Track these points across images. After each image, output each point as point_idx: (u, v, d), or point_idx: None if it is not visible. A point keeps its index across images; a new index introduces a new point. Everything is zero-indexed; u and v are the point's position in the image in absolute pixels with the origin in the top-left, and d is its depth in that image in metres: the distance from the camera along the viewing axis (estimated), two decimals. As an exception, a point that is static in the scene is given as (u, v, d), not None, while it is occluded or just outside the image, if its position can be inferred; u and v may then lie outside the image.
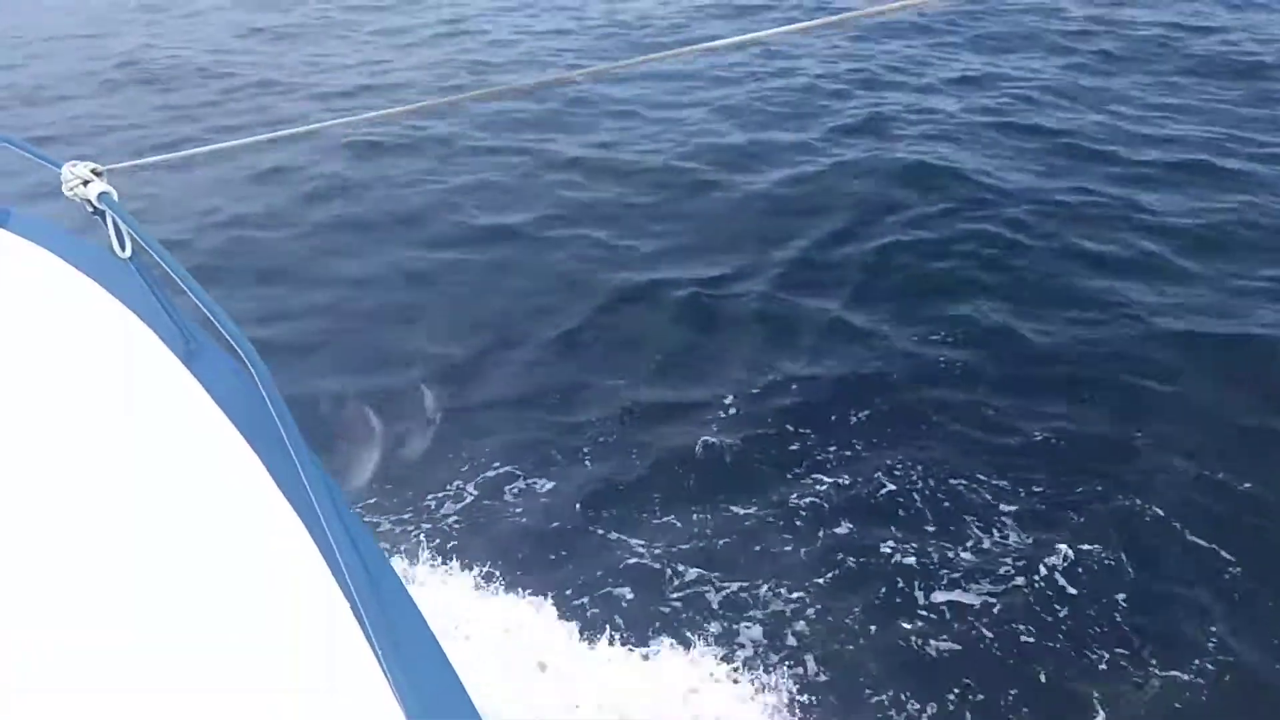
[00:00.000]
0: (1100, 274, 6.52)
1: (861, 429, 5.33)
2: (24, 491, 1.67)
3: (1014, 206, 7.53)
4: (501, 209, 8.37)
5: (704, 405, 5.61)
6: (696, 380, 5.89)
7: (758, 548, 4.51)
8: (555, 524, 4.74)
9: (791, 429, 5.37)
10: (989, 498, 4.77)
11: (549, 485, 5.06)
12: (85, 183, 1.94)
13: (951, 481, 4.88)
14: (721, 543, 4.55)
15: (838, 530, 4.62)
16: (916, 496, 4.78)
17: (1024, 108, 9.48)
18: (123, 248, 1.86)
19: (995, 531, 4.57)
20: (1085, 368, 5.63)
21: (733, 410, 5.53)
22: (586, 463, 5.22)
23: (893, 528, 4.58)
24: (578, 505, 4.88)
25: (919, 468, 4.96)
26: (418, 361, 6.11)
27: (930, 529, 4.58)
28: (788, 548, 4.51)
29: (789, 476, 5.02)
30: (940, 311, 6.31)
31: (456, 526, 4.70)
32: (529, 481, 5.07)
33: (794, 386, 5.71)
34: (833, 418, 5.42)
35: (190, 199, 9.01)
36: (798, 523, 4.67)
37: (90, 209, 1.91)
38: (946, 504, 4.74)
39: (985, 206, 7.59)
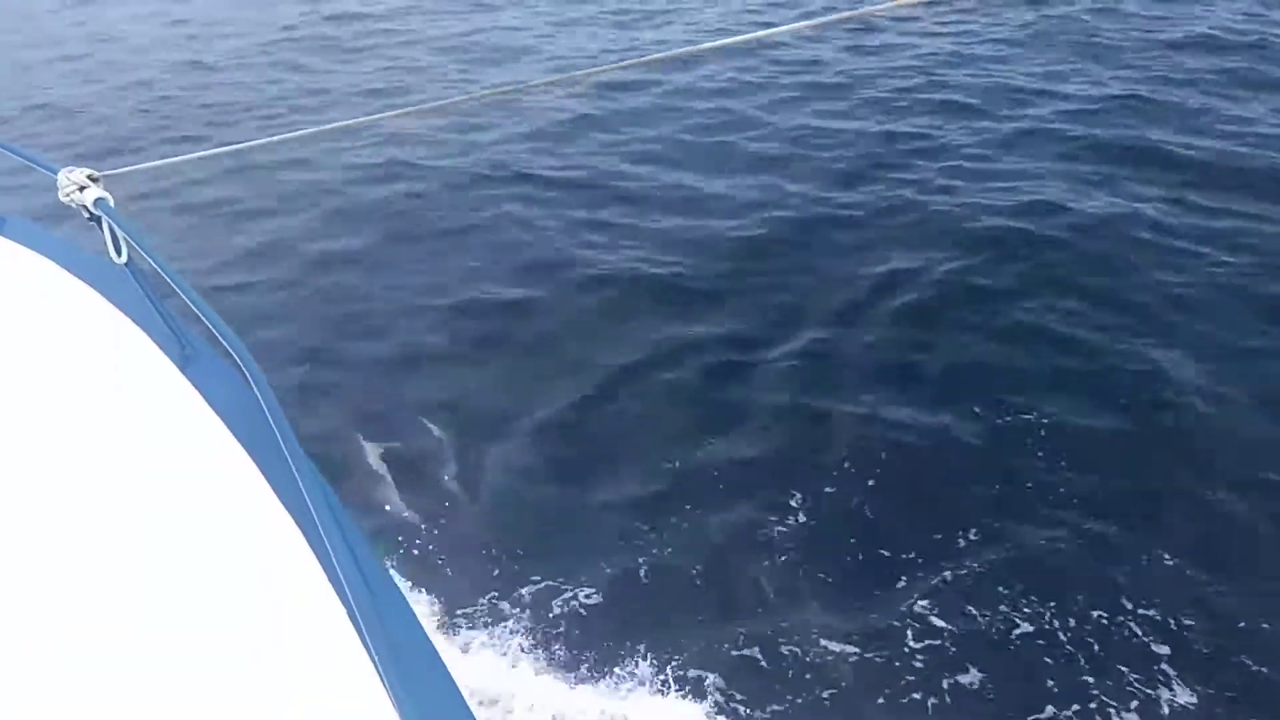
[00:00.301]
0: (1209, 349, 5.74)
1: (962, 539, 4.62)
2: (18, 497, 1.72)
3: (1088, 249, 6.80)
4: (498, 261, 7.64)
5: (761, 498, 4.93)
6: (747, 466, 5.19)
7: (878, 700, 3.76)
8: (619, 666, 3.99)
9: (873, 535, 4.68)
10: (1140, 633, 4.08)
11: (595, 599, 4.34)
12: (81, 188, 1.94)
13: (1094, 613, 4.18)
14: (825, 694, 3.81)
15: (965, 681, 3.90)
16: (1060, 636, 4.07)
17: (1089, 130, 8.66)
18: (119, 253, 1.90)
19: (1161, 684, 3.87)
20: (1215, 466, 4.93)
21: (799, 508, 4.85)
22: (639, 572, 4.53)
23: (1044, 679, 3.87)
24: (636, 632, 4.16)
25: (1049, 597, 4.25)
26: (429, 435, 5.43)
27: (1086, 678, 3.88)
28: (914, 694, 3.78)
29: (886, 601, 4.31)
30: (1020, 390, 5.56)
31: (495, 655, 3.95)
32: (574, 592, 4.33)
33: (869, 482, 5.00)
34: (923, 523, 4.72)
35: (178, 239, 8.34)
36: (916, 666, 3.94)
37: (86, 214, 1.94)
38: (1095, 645, 4.04)
39: (1051, 253, 6.87)
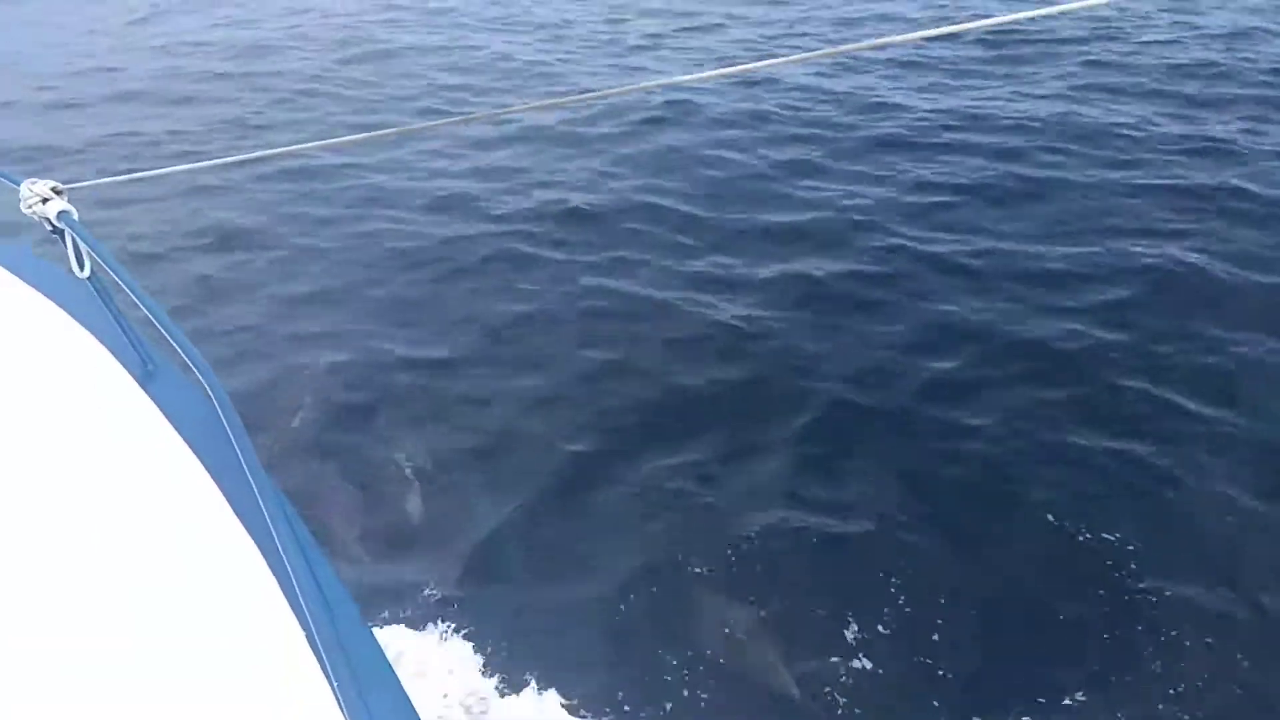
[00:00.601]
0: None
1: (1064, 697, 4.08)
2: None
3: (1156, 325, 6.23)
4: (480, 309, 7.43)
5: (811, 629, 4.44)
6: (780, 583, 4.70)
7: None
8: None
9: (952, 687, 4.13)
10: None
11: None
12: (44, 200, 1.99)
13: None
14: None
15: None
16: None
17: (1146, 182, 8.20)
18: (81, 267, 1.96)
19: None
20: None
21: (855, 644, 4.35)
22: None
23: None
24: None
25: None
26: (404, 505, 5.29)
27: None
28: None
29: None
30: (1090, 504, 4.94)
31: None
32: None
33: (934, 618, 4.46)
34: (1016, 674, 4.21)
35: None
36: None
37: (49, 227, 1.98)
38: None
39: (1071, 368, 6.08)
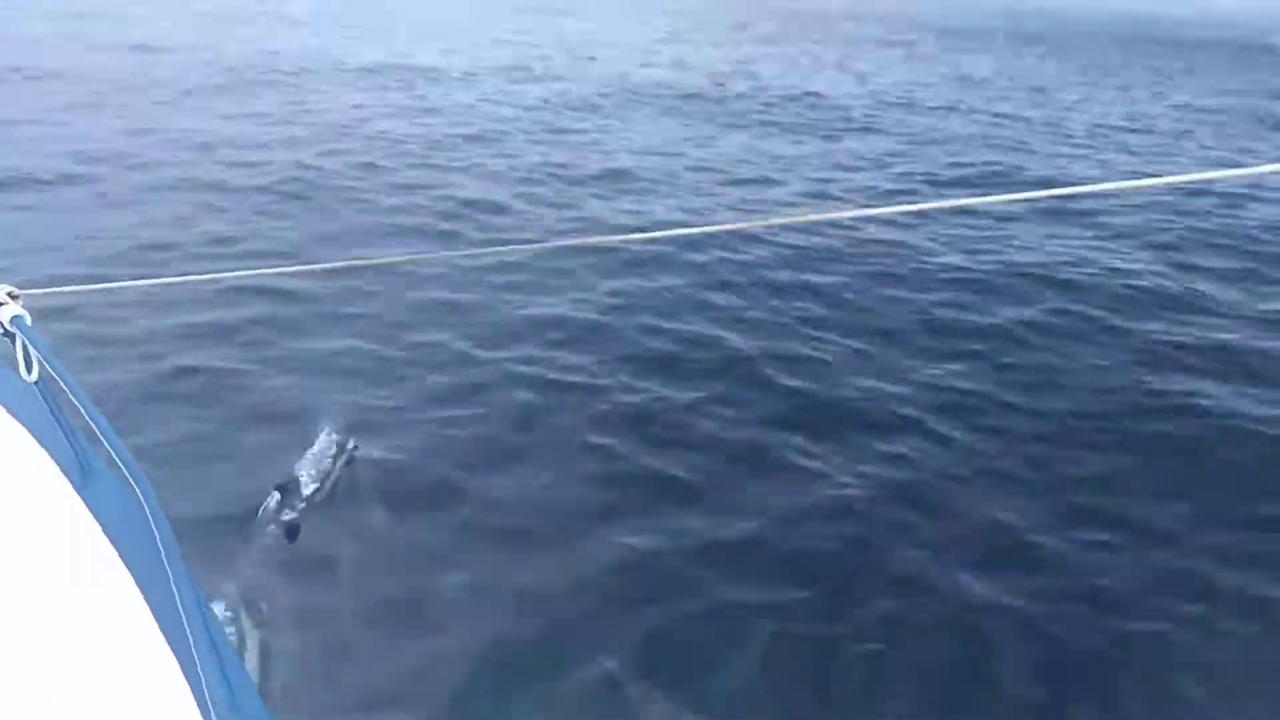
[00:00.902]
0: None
1: None
2: None
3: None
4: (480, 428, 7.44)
5: None
6: None
7: None
8: None
9: None
10: None
11: None
12: None
13: None
14: None
15: None
16: None
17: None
18: (29, 371, 2.06)
19: None
20: None
21: None
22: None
23: None
24: None
25: None
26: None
27: None
28: None
29: None
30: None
31: None
32: None
33: None
34: None
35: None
36: None
37: (0, 331, 2.10)
38: None
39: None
